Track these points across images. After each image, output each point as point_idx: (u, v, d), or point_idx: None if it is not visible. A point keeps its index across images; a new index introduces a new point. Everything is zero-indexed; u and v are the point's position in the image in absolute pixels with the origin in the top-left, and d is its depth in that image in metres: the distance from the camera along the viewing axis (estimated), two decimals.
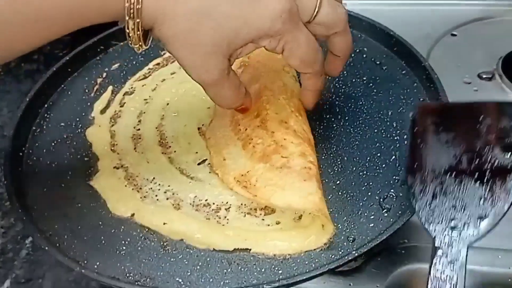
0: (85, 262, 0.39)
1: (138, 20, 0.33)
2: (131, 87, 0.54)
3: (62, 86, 0.55)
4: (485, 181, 0.37)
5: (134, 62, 0.58)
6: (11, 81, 0.72)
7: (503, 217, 0.35)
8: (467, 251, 0.34)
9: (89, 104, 0.53)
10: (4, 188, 0.64)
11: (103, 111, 0.52)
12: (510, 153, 0.37)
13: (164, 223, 0.41)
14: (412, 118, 0.41)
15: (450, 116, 0.41)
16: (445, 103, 0.47)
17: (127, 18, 0.33)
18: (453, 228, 0.35)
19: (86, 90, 0.55)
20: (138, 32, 0.34)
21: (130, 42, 0.35)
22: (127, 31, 0.34)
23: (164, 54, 0.58)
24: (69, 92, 0.55)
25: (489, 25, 0.68)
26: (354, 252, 0.36)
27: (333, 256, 0.38)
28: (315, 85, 0.43)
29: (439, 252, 0.34)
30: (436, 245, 0.35)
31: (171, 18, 0.34)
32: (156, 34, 0.35)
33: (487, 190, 0.36)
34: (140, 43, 0.36)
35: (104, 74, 0.56)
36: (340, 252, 0.38)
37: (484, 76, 0.60)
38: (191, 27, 0.35)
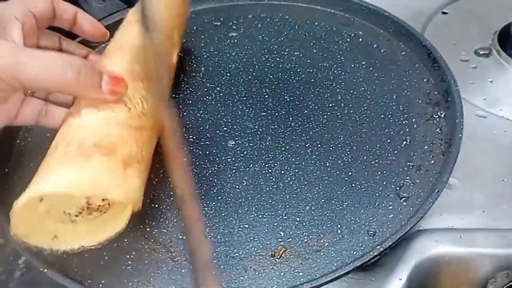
0: (89, 281, 0.36)
1: None
2: None
3: None
4: None
5: None
6: None
7: None
8: None
9: None
10: None
11: None
12: None
13: None
14: None
15: None
16: None
17: None
18: None
19: None
20: None
21: None
22: None
23: None
24: None
25: (479, 0, 0.66)
26: (378, 247, 0.34)
27: (355, 253, 0.36)
28: None
29: None
30: None
31: None
32: None
33: None
34: None
35: None
36: (362, 248, 0.36)
37: (481, 53, 0.58)
38: None
